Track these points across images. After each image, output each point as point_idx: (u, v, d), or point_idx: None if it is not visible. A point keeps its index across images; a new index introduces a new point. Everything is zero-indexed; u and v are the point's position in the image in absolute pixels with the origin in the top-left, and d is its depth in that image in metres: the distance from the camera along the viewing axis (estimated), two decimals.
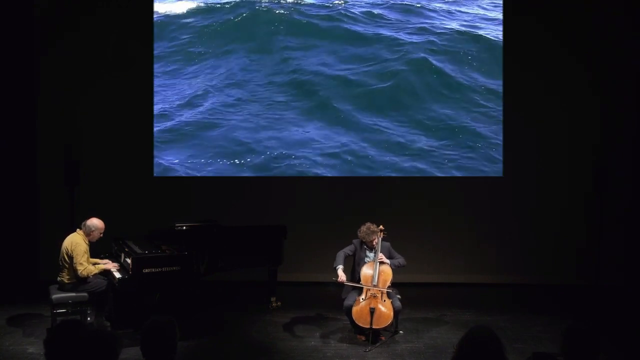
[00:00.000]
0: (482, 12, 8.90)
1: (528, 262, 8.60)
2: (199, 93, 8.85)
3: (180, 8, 9.11)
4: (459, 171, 8.47)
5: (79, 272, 6.23)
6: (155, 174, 8.71)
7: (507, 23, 8.57)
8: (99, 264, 6.54)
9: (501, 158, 8.48)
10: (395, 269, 6.36)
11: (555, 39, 8.52)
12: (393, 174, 8.52)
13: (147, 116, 8.72)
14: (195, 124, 8.73)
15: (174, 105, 8.82)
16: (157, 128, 8.70)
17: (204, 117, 8.75)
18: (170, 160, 8.64)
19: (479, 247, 8.66)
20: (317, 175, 8.54)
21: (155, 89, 8.75)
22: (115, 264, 6.52)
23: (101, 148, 8.78)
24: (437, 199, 8.65)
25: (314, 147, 8.56)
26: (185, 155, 8.64)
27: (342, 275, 6.27)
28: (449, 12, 9.08)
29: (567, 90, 8.56)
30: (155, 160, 8.68)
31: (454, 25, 8.96)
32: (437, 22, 9.02)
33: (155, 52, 8.79)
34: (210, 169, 8.56)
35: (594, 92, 8.53)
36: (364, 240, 6.48)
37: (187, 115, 8.79)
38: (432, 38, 8.94)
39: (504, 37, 8.57)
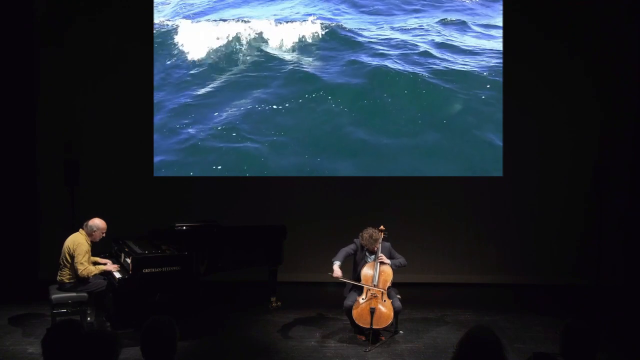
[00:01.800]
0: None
1: (528, 262, 8.60)
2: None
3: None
4: (459, 171, 8.46)
5: (79, 271, 6.24)
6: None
7: (507, 23, 8.56)
8: (99, 263, 6.55)
9: (501, 158, 8.47)
10: (396, 269, 6.36)
11: (556, 38, 8.53)
12: (393, 174, 8.51)
13: (147, 116, 8.70)
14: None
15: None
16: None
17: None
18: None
19: (479, 247, 8.67)
20: (318, 175, 8.53)
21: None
22: (116, 265, 6.52)
23: (101, 148, 8.78)
24: (437, 199, 8.65)
25: (314, 146, 8.56)
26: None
27: (337, 271, 6.21)
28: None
29: (567, 90, 8.56)
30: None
31: (466, 38, 9.05)
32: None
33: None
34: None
35: (594, 92, 8.53)
36: (365, 246, 6.47)
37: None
38: (434, 35, 9.01)
39: (504, 37, 8.55)
